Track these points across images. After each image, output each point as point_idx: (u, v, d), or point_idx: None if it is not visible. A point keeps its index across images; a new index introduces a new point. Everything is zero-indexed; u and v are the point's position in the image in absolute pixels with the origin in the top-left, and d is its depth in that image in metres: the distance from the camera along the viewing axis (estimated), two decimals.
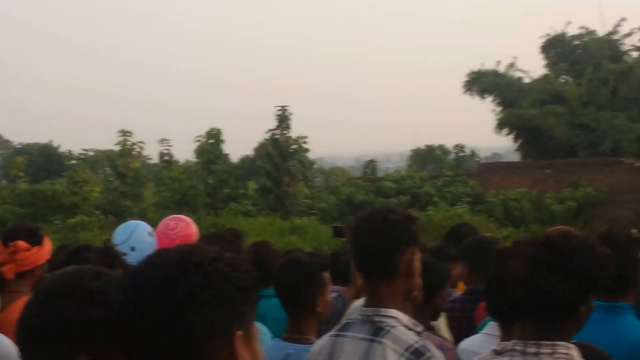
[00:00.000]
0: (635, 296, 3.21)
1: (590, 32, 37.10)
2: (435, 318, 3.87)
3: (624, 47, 37.28)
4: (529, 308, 2.24)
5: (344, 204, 27.89)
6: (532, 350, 2.20)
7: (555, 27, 37.75)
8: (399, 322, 2.38)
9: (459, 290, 4.91)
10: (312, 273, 3.23)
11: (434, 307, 3.78)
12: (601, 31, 37.13)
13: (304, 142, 33.11)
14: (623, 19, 37.05)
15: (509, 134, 35.34)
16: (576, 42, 37.33)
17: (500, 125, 35.07)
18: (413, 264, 2.46)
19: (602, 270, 2.21)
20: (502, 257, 3.08)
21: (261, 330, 3.59)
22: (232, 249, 3.55)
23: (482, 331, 3.49)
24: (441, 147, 49.53)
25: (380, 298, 2.43)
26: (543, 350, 2.18)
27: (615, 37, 36.88)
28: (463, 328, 4.12)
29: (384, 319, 2.38)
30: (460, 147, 44.90)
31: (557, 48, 37.46)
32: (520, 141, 35.40)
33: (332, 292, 5.00)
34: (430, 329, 3.62)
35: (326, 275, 3.31)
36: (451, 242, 5.14)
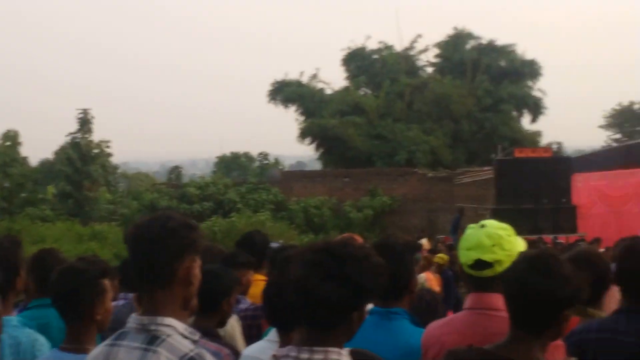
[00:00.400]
0: (410, 301, 3.37)
1: (389, 47, 38.73)
2: (222, 325, 3.87)
3: (420, 63, 39.34)
4: (303, 313, 2.27)
5: (146, 209, 27.47)
6: (305, 356, 2.22)
7: (355, 41, 39.02)
8: (175, 330, 2.36)
9: (251, 297, 4.94)
10: (89, 280, 3.15)
11: (222, 314, 3.79)
12: (399, 46, 38.93)
13: (107, 147, 32.47)
14: (419, 36, 39.13)
15: (311, 143, 36.20)
16: (375, 57, 38.83)
17: (303, 134, 35.88)
18: (192, 272, 2.45)
19: (375, 279, 2.28)
20: (284, 262, 3.13)
21: (39, 340, 3.45)
22: (9, 256, 3.39)
23: (265, 337, 3.54)
24: (246, 155, 49.89)
25: (156, 306, 2.40)
26: (316, 357, 2.21)
27: (411, 52, 38.78)
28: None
29: (160, 328, 2.36)
30: (264, 155, 45.52)
31: (357, 61, 38.78)
32: (321, 150, 36.34)
33: (122, 300, 4.90)
34: (216, 336, 3.63)
35: (106, 282, 3.23)
36: (243, 249, 5.18)
